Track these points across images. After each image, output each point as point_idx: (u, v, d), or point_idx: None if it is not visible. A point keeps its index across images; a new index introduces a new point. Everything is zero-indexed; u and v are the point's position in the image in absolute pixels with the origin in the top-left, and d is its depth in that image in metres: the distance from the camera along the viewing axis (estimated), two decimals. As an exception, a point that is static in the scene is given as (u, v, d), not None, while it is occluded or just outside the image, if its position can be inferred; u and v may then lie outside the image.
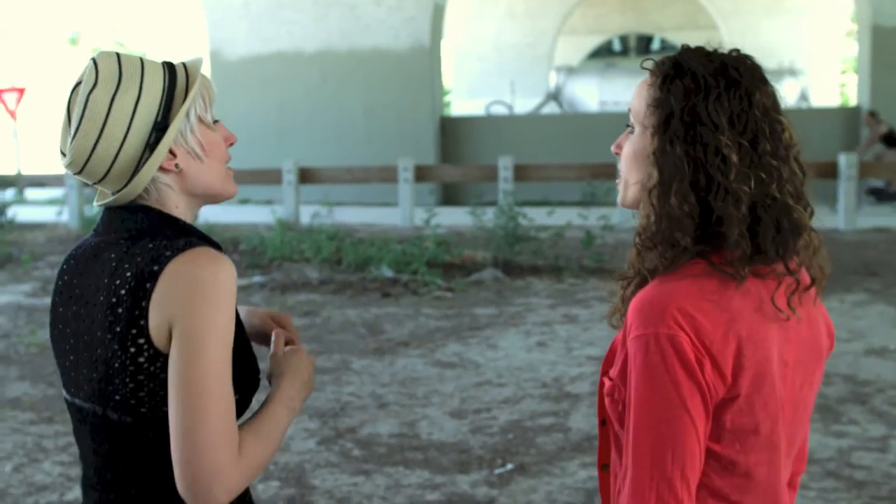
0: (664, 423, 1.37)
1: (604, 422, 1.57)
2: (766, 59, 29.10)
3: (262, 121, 18.59)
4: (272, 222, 13.92)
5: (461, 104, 27.64)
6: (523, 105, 26.65)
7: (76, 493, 4.55)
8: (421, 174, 15.50)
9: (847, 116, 17.92)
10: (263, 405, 1.62)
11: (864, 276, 9.67)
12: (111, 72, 1.56)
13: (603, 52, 42.64)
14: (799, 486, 1.66)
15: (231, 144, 1.69)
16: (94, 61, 1.57)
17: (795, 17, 30.55)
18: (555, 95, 25.70)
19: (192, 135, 1.60)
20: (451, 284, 9.57)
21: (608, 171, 14.48)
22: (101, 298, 1.54)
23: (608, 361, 1.54)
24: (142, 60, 1.59)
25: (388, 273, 9.89)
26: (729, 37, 31.87)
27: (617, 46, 45.63)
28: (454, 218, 13.77)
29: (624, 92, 25.51)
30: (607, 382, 1.52)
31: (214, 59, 19.23)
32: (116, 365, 1.51)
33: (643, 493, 1.37)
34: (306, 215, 14.41)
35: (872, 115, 16.27)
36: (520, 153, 15.81)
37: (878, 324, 7.69)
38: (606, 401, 1.52)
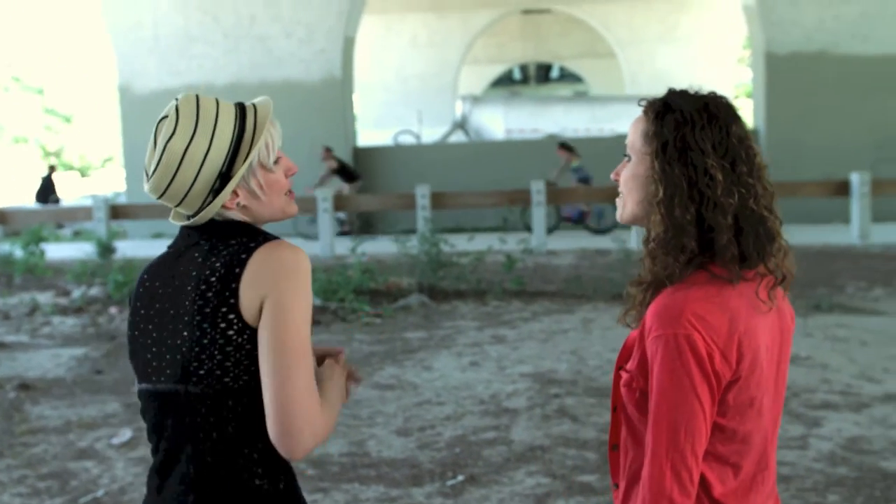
0: (679, 407, 1.68)
1: (615, 408, 1.87)
2: (663, 85, 30.19)
3: (174, 154, 18.54)
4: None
5: (368, 134, 27.91)
6: (430, 134, 27.07)
7: (41, 521, 4.66)
8: (340, 204, 15.72)
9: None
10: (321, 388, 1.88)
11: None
12: (188, 122, 1.82)
13: (504, 81, 43.45)
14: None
15: (292, 174, 1.94)
16: (177, 106, 1.84)
17: (689, 44, 31.69)
18: (461, 124, 26.21)
19: (253, 178, 1.87)
20: (379, 310, 9.80)
21: (523, 197, 14.93)
22: (189, 288, 1.80)
23: (623, 357, 1.85)
24: (217, 108, 1.84)
25: (316, 301, 10.08)
26: (627, 64, 32.92)
27: (517, 75, 46.49)
28: (374, 247, 14.00)
29: (528, 119, 26.21)
30: (624, 375, 1.81)
31: (124, 93, 19.14)
32: (205, 341, 1.77)
33: (661, 463, 1.68)
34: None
35: (328, 150, 17.33)
36: (431, 181, 16.12)
37: (788, 334, 8.16)
38: (623, 390, 1.81)
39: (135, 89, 19.02)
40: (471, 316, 9.57)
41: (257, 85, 18.36)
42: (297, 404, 1.72)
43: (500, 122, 26.04)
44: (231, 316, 1.76)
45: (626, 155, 1.87)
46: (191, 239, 1.89)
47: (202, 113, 1.83)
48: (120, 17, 18.88)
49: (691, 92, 1.82)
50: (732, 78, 33.20)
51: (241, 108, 1.88)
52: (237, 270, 1.78)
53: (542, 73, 48.45)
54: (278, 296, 1.75)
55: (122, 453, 5.65)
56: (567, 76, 45.01)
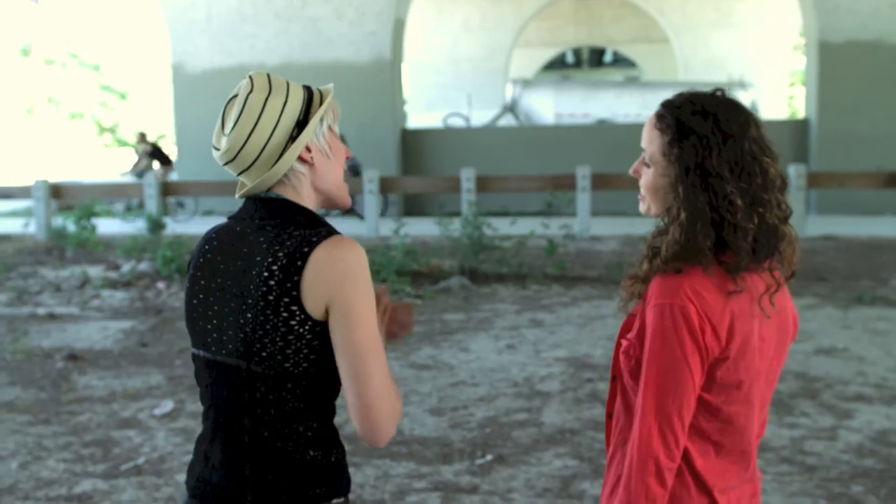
0: (669, 373, 1.79)
1: (614, 378, 1.97)
2: (717, 72, 29.74)
3: (225, 133, 18.82)
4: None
5: (418, 116, 27.99)
6: (480, 117, 27.07)
7: (83, 486, 4.84)
8: (385, 185, 15.87)
9: (795, 128, 18.53)
10: None
11: (813, 281, 10.17)
12: (264, 82, 1.95)
13: (557, 65, 43.23)
14: (756, 451, 2.04)
15: (347, 158, 2.05)
16: (250, 76, 1.96)
17: (744, 31, 31.34)
18: (511, 107, 26.14)
19: (323, 137, 1.98)
20: (420, 292, 9.92)
21: (568, 183, 14.93)
22: (254, 273, 1.89)
23: (626, 327, 1.94)
24: (287, 81, 1.97)
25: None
26: (680, 50, 32.62)
27: (570, 59, 46.24)
28: (418, 228, 14.11)
29: (579, 104, 26.09)
30: (624, 342, 1.91)
31: (177, 72, 19.41)
32: (268, 326, 1.86)
33: (649, 425, 1.79)
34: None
35: (142, 135, 17.92)
36: (478, 164, 16.20)
37: (827, 325, 8.16)
38: (622, 357, 1.91)
39: (187, 68, 19.29)
40: (510, 299, 9.65)
41: (307, 66, 18.54)
42: (378, 402, 1.85)
43: (550, 106, 25.92)
44: (294, 307, 1.85)
45: (644, 163, 1.95)
46: (255, 214, 1.97)
47: (274, 80, 1.96)
48: (175, -4, 19.16)
49: (700, 100, 1.89)
50: (787, 66, 32.80)
51: (306, 85, 2.01)
52: (299, 264, 1.85)
53: (595, 58, 48.15)
54: (345, 299, 1.84)
55: (163, 424, 5.83)
56: (620, 61, 44.70)
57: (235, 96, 1.96)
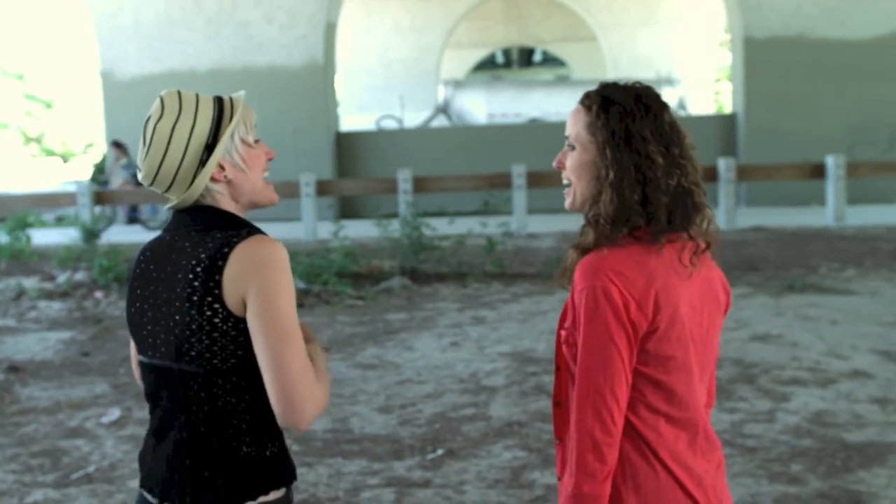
0: (599, 352, 1.89)
1: (558, 368, 2.06)
2: (645, 69, 30.20)
3: (157, 140, 18.64)
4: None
5: (350, 119, 27.97)
6: (413, 118, 27.15)
7: (35, 496, 4.81)
8: (322, 189, 15.87)
9: (723, 123, 18.93)
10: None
11: (746, 271, 10.43)
12: (174, 104, 2.01)
13: (487, 65, 43.45)
14: (710, 417, 2.15)
15: (270, 159, 2.12)
16: (161, 98, 2.02)
17: (670, 29, 31.87)
18: (443, 108, 26.25)
19: (236, 152, 2.05)
20: (362, 293, 9.96)
21: (504, 181, 15.09)
22: (180, 276, 1.97)
23: (563, 319, 2.04)
24: (197, 96, 2.03)
25: (300, 284, 10.22)
26: (608, 48, 33.05)
27: (500, 59, 46.49)
28: (357, 230, 14.14)
29: (510, 103, 26.30)
30: (564, 332, 2.01)
31: (106, 79, 19.17)
32: (194, 326, 1.94)
33: (584, 404, 1.90)
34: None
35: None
36: (413, 166, 16.26)
37: (761, 313, 8.39)
38: (564, 348, 2.01)
39: (116, 75, 19.06)
40: (452, 298, 9.74)
41: (239, 70, 18.44)
42: (295, 383, 1.89)
43: (483, 106, 26.09)
44: (216, 305, 1.93)
45: (569, 145, 2.07)
46: (182, 224, 2.05)
47: (184, 99, 2.01)
48: (101, 3, 18.89)
49: (622, 84, 2.04)
50: (713, 62, 33.40)
51: (217, 97, 2.07)
52: (220, 263, 1.94)
53: (525, 58, 48.48)
54: (259, 288, 1.91)
55: (111, 431, 5.81)
56: (549, 60, 45.04)
57: (150, 118, 2.02)
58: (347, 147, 19.32)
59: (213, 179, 2.02)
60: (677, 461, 1.96)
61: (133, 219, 17.99)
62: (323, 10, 18.46)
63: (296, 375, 1.89)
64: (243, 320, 1.93)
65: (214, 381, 1.97)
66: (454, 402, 6.15)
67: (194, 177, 2.00)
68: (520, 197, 14.85)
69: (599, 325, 1.88)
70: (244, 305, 1.92)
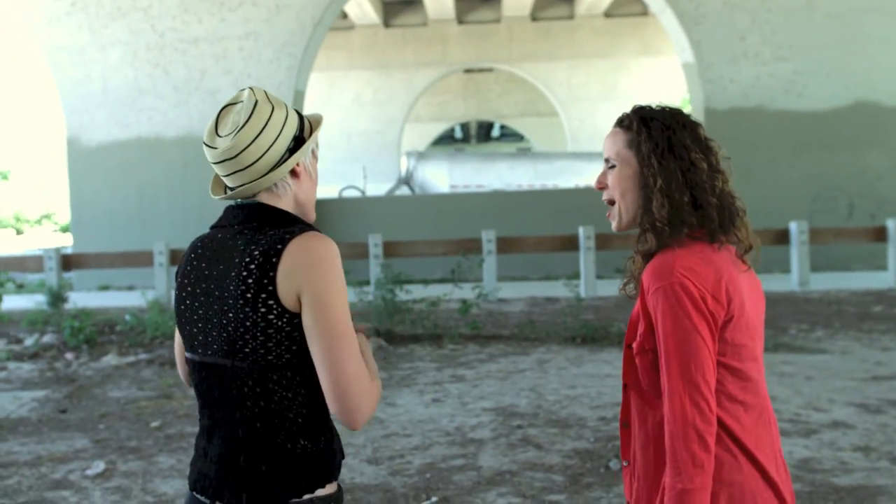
0: (685, 344, 1.95)
1: (626, 386, 2.12)
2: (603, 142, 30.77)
3: (123, 206, 18.61)
4: (141, 305, 14.02)
5: (313, 190, 28.04)
6: (375, 190, 27.33)
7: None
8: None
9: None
10: None
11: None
12: (264, 96, 2.09)
13: (446, 139, 43.98)
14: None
15: None
16: (251, 88, 2.09)
17: (629, 102, 32.21)
18: (406, 180, 26.48)
19: (312, 159, 2.15)
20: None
21: (475, 246, 15.21)
22: (233, 274, 2.00)
23: (629, 335, 2.11)
24: (283, 100, 2.12)
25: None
26: (568, 122, 33.63)
27: (459, 133, 47.03)
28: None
29: (473, 175, 26.59)
30: (635, 346, 2.07)
31: (72, 145, 19.11)
32: (248, 323, 1.96)
33: (680, 397, 1.94)
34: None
35: None
36: (380, 233, 16.34)
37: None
38: (637, 359, 2.06)
39: (83, 141, 19.03)
40: (429, 358, 9.76)
41: (207, 138, 18.46)
42: (352, 384, 1.93)
43: (445, 177, 26.36)
44: (270, 302, 1.95)
45: (609, 165, 2.17)
46: (235, 220, 2.09)
47: (272, 96, 2.10)
48: (68, 70, 18.93)
49: (655, 105, 2.16)
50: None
51: (297, 110, 2.17)
52: (274, 260, 1.96)
53: (484, 132, 49.11)
54: (314, 286, 1.94)
55: (97, 483, 5.72)
56: (508, 135, 45.67)
57: (235, 103, 2.09)
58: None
59: (291, 171, 2.09)
60: (758, 447, 2.02)
61: None
62: (292, 78, 18.64)
63: (352, 377, 1.92)
64: (298, 315, 1.95)
65: (269, 376, 1.98)
66: (443, 454, 6.14)
67: (277, 163, 2.05)
68: (490, 261, 14.98)
69: (682, 318, 1.94)
70: (298, 301, 1.95)
